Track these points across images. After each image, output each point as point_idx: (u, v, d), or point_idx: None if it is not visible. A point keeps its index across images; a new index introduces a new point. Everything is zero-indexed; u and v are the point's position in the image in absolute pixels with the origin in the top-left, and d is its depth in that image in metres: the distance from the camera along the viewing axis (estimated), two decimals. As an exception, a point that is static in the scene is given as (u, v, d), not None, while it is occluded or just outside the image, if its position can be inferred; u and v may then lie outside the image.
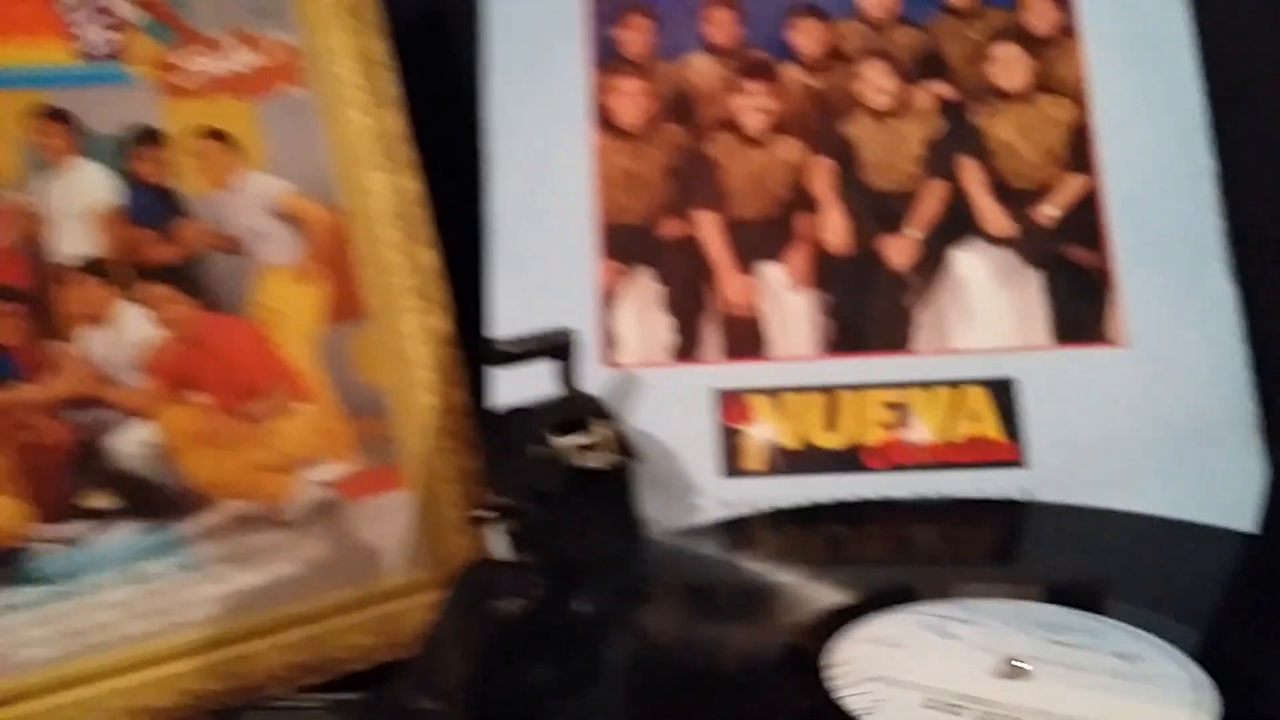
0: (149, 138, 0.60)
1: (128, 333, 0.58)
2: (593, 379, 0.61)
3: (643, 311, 0.67)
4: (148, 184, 0.60)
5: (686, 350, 0.66)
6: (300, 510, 0.62)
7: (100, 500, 0.57)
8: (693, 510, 0.63)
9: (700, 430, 0.64)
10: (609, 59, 0.70)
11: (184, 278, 0.60)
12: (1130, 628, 0.44)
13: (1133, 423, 0.63)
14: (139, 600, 0.57)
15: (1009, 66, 0.68)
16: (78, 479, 0.57)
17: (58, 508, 0.56)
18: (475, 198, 0.68)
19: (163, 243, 0.60)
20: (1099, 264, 0.65)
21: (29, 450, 0.56)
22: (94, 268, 0.58)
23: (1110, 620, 0.45)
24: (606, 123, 0.69)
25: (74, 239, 0.58)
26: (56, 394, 0.56)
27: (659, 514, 0.60)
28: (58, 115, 0.58)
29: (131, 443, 0.58)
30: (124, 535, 0.58)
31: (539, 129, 0.69)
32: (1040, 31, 0.68)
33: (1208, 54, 0.67)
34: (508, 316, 0.66)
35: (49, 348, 0.57)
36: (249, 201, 0.63)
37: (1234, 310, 0.64)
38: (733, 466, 0.64)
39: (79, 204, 0.58)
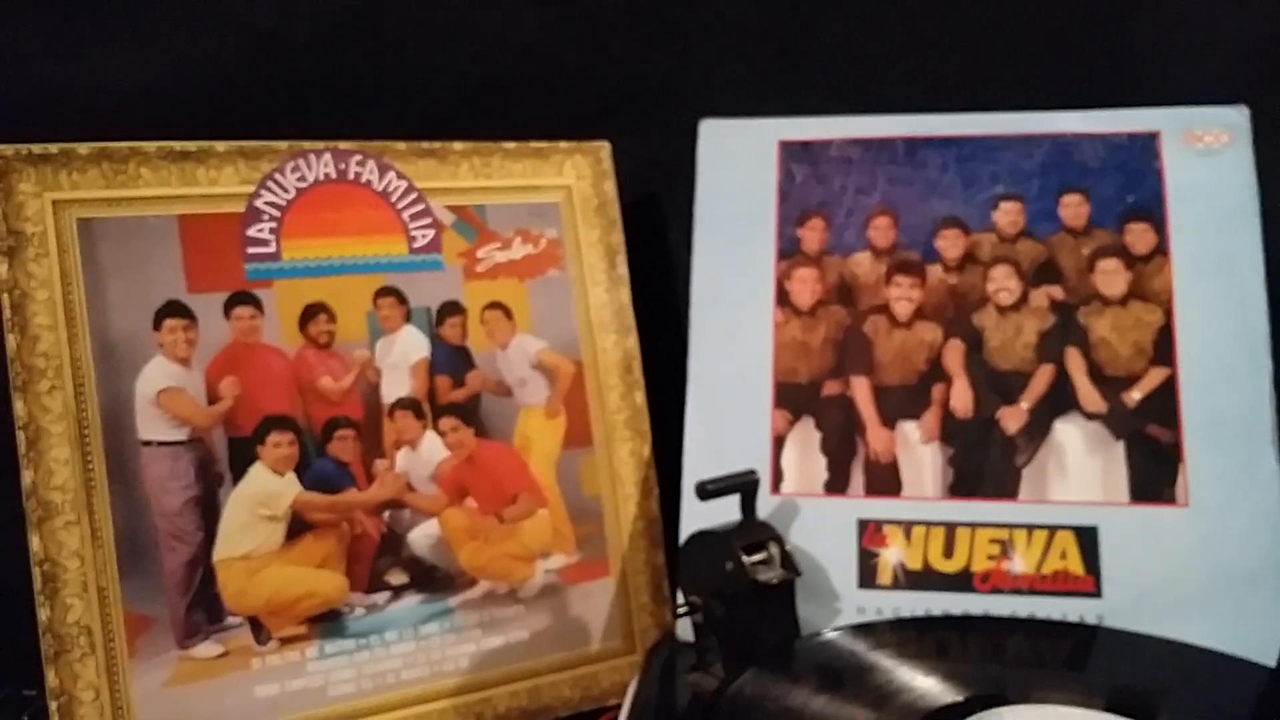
0: (452, 309, 0.75)
1: (426, 453, 0.74)
2: (762, 504, 0.69)
3: (804, 453, 0.76)
4: (449, 344, 0.75)
5: (836, 486, 0.76)
6: (533, 591, 0.76)
7: (397, 577, 0.72)
8: (834, 614, 0.73)
9: (843, 551, 0.74)
10: (791, 251, 0.79)
11: (467, 413, 0.75)
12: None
13: (1189, 569, 0.70)
14: (416, 654, 0.72)
15: (1111, 277, 0.75)
16: (382, 560, 0.72)
17: (367, 581, 0.71)
18: (679, 354, 0.78)
19: (455, 387, 0.75)
20: (1171, 439, 0.72)
21: (354, 539, 0.71)
22: (408, 404, 0.73)
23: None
24: (785, 302, 0.78)
25: (396, 384, 0.73)
26: (377, 498, 0.72)
27: (808, 615, 0.69)
28: (393, 292, 0.74)
29: (422, 535, 0.73)
30: (410, 604, 0.72)
31: (732, 303, 0.79)
32: (1138, 251, 0.75)
33: (1274, 273, 0.73)
34: (698, 448, 0.77)
35: (374, 464, 0.72)
36: (517, 356, 0.77)
37: (1279, 484, 0.70)
38: (867, 581, 0.73)
39: (402, 358, 0.73)
